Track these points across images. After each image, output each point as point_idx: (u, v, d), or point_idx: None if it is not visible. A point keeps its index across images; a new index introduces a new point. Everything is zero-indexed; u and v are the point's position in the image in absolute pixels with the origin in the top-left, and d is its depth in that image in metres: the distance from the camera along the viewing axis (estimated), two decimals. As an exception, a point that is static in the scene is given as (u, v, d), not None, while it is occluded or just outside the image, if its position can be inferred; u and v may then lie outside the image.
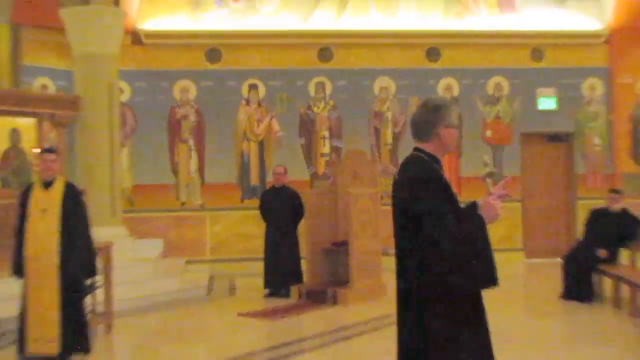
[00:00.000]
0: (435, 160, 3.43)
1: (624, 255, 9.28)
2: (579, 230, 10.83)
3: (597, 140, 12.93)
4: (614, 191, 9.62)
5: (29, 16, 11.16)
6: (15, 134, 9.78)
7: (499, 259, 11.42)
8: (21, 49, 11.27)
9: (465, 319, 3.27)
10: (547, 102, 12.86)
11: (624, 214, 9.22)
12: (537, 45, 12.84)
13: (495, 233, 11.99)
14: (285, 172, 10.36)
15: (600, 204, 9.96)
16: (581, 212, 11.62)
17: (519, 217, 12.74)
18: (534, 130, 12.93)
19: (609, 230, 9.13)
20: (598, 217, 9.43)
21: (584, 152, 12.93)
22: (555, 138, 13.05)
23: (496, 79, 12.81)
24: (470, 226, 3.25)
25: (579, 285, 9.00)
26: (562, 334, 7.95)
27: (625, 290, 8.44)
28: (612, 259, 9.08)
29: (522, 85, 12.82)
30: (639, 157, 12.82)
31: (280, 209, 9.98)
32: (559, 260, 9.65)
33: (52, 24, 10.68)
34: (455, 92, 12.69)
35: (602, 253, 8.96)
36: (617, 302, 8.62)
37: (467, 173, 12.51)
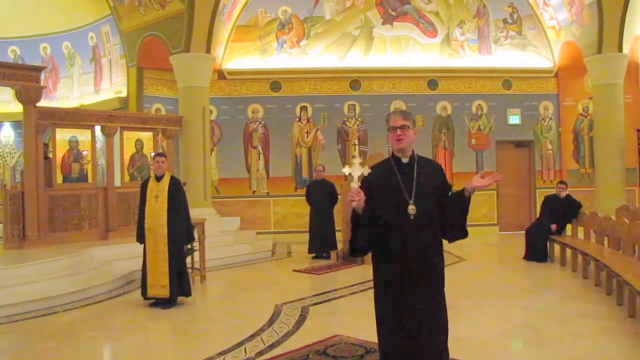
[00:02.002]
0: (394, 157, 3.17)
1: (568, 228, 9.21)
2: (537, 210, 10.74)
3: (550, 146, 12.75)
4: (562, 182, 9.50)
5: (148, 61, 11.35)
6: (139, 143, 9.93)
7: (480, 232, 11.22)
8: (143, 84, 11.46)
9: (378, 278, 3.14)
10: (514, 119, 12.66)
11: (569, 198, 9.14)
12: (507, 78, 12.62)
13: (477, 213, 12.05)
14: (324, 169, 10.32)
15: (551, 191, 9.84)
16: (539, 198, 11.44)
17: (494, 201, 12.52)
18: (505, 138, 12.67)
19: (558, 211, 9.08)
20: (550, 201, 9.34)
21: (541, 154, 12.73)
22: (520, 144, 12.81)
23: (478, 102, 12.59)
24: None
25: (536, 249, 8.98)
26: (524, 284, 7.81)
27: (569, 253, 8.36)
28: (560, 231, 9.05)
29: (496, 107, 12.59)
30: (579, 158, 12.67)
31: (321, 196, 9.95)
32: (522, 232, 9.56)
33: (164, 66, 10.83)
34: (449, 111, 12.51)
35: (553, 227, 8.96)
36: (563, 262, 8.58)
37: (457, 170, 12.32)
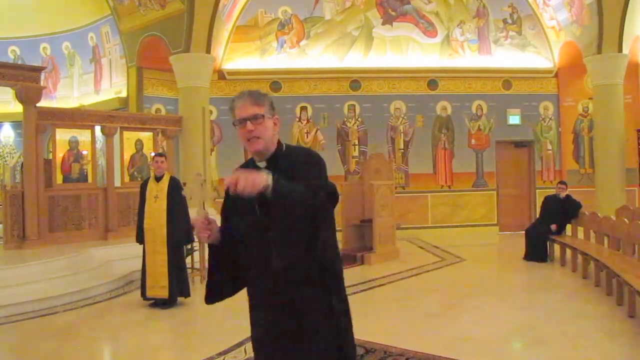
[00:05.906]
0: (252, 160, 2.32)
1: (568, 228, 9.22)
2: (537, 210, 10.73)
3: (549, 146, 12.73)
4: (562, 182, 9.49)
5: (148, 61, 11.33)
6: (139, 143, 9.93)
7: (480, 232, 11.19)
8: (143, 84, 11.44)
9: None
10: (514, 119, 12.64)
11: (568, 199, 9.13)
12: (507, 78, 12.61)
13: (477, 213, 12.04)
14: (325, 169, 10.30)
15: (551, 192, 9.83)
16: (539, 198, 11.39)
17: (494, 201, 12.51)
18: (505, 138, 12.65)
19: (558, 211, 9.08)
20: (550, 201, 9.34)
21: (541, 155, 12.72)
22: (520, 144, 12.81)
23: (478, 102, 12.58)
24: None
25: (536, 250, 8.97)
26: (524, 284, 7.82)
27: (569, 253, 8.35)
28: (560, 231, 9.04)
29: (496, 107, 12.57)
30: (579, 158, 12.64)
31: (322, 196, 9.93)
32: (522, 232, 9.54)
33: (164, 66, 10.83)
34: (449, 111, 12.49)
35: (553, 227, 8.95)
36: (563, 262, 8.56)
37: (457, 170, 12.26)
